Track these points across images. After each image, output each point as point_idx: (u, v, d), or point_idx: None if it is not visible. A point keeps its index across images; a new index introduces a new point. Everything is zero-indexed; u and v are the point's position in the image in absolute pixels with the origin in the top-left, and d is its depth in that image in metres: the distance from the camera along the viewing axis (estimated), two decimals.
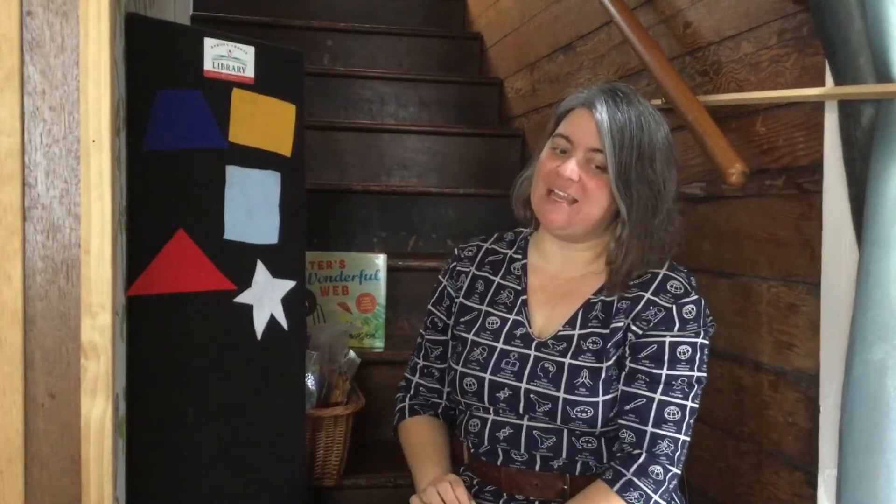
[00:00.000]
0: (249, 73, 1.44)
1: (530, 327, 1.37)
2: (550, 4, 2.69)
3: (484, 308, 1.42)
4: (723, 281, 1.62)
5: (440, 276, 1.52)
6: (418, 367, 1.52)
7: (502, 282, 1.44)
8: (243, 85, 1.43)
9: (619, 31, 1.93)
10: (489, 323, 1.40)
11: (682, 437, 1.27)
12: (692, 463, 1.70)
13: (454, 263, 1.50)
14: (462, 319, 1.43)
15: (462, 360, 1.39)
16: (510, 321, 1.39)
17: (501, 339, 1.37)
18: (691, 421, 1.29)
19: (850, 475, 1.20)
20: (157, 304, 1.32)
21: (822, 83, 1.35)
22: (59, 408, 1.02)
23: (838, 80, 1.26)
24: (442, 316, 1.49)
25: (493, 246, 1.49)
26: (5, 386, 1.00)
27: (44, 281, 1.01)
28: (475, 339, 1.39)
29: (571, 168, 1.30)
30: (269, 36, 1.94)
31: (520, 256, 1.45)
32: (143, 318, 1.30)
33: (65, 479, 1.02)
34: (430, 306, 1.51)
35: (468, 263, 1.48)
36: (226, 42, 1.41)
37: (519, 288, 1.42)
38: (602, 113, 1.29)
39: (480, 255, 1.48)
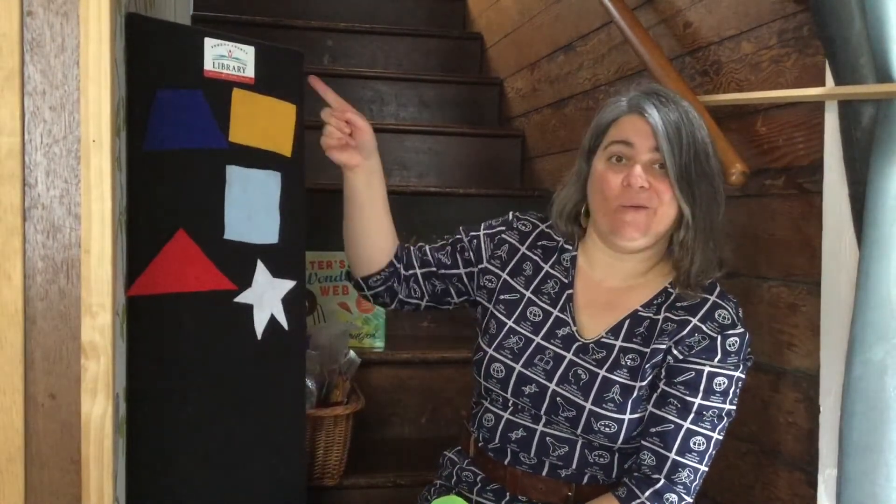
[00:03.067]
0: (249, 73, 1.44)
1: (573, 325, 1.34)
2: (550, 4, 2.69)
3: (528, 295, 1.39)
4: (723, 281, 1.62)
5: (481, 229, 1.45)
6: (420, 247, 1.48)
7: (550, 270, 1.40)
8: (243, 85, 1.43)
9: (619, 31, 1.93)
10: (531, 313, 1.37)
11: (703, 467, 1.26)
12: None
13: (502, 228, 1.44)
14: (502, 297, 1.40)
15: (495, 343, 1.36)
16: (553, 317, 1.36)
17: (541, 335, 1.35)
18: (714, 452, 1.27)
19: (850, 475, 1.20)
20: (157, 304, 1.31)
21: (822, 83, 1.36)
22: (59, 408, 1.02)
23: (838, 80, 1.26)
24: (445, 260, 1.44)
25: (548, 230, 1.44)
26: (5, 386, 1.00)
27: (44, 281, 1.01)
28: (514, 326, 1.37)
29: (639, 174, 1.26)
30: (269, 36, 1.94)
31: (570, 247, 1.41)
32: (143, 318, 1.29)
33: (65, 479, 1.02)
34: (450, 240, 1.47)
35: (517, 237, 1.43)
36: (226, 42, 1.41)
37: (566, 281, 1.38)
38: (653, 114, 1.26)
39: (534, 235, 1.43)
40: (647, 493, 1.24)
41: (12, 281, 0.99)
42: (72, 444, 1.02)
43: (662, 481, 1.24)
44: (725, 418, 1.27)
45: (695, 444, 1.25)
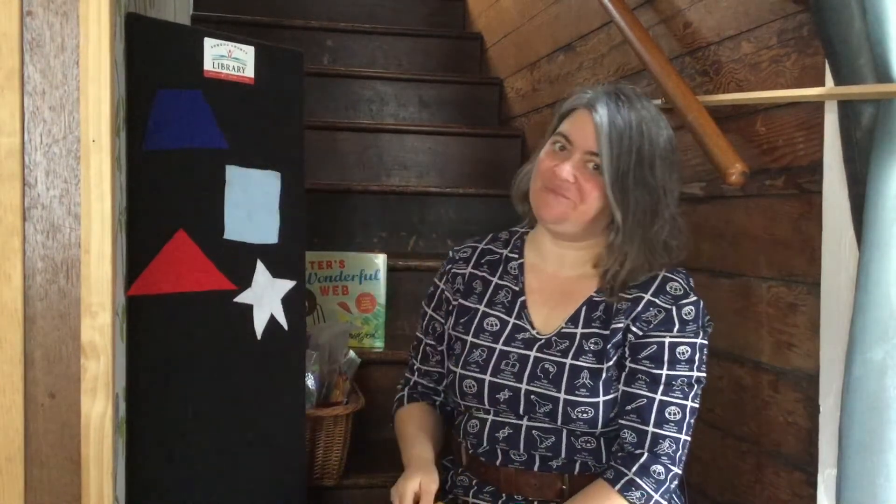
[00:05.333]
0: (249, 73, 1.44)
1: (532, 329, 1.37)
2: (550, 4, 2.69)
3: (482, 308, 1.42)
4: (723, 281, 1.62)
5: (436, 280, 1.51)
6: (415, 367, 1.52)
7: (500, 282, 1.43)
8: (243, 85, 1.43)
9: (619, 31, 1.93)
10: (488, 324, 1.40)
11: (684, 436, 1.28)
12: (692, 463, 1.70)
13: (449, 266, 1.49)
14: (461, 320, 1.43)
15: (461, 361, 1.38)
16: (510, 324, 1.38)
17: (501, 341, 1.37)
18: (692, 420, 1.29)
19: (850, 475, 1.20)
20: (157, 304, 1.31)
21: (822, 83, 1.35)
22: (59, 408, 1.02)
23: (838, 80, 1.25)
24: (441, 320, 1.48)
25: (488, 246, 1.48)
26: (5, 385, 1.00)
27: (44, 281, 1.01)
28: (474, 340, 1.39)
29: (568, 170, 1.30)
30: (268, 36, 1.94)
31: (516, 255, 1.45)
32: (143, 318, 1.30)
33: (65, 479, 1.02)
34: (427, 309, 1.50)
35: (463, 265, 1.47)
36: (226, 42, 1.41)
37: (516, 288, 1.41)
38: (602, 116, 1.29)
39: (476, 255, 1.48)
40: (634, 469, 1.25)
41: (12, 281, 0.99)
42: (72, 444, 1.02)
43: (646, 455, 1.26)
44: (696, 385, 1.29)
45: (670, 414, 1.27)
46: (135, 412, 1.29)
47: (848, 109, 1.25)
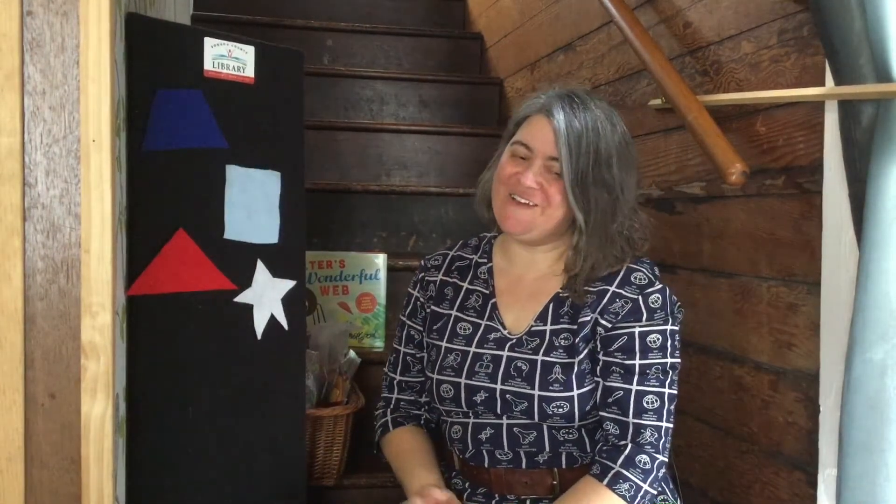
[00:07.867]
0: (249, 73, 1.44)
1: (503, 329, 1.38)
2: (550, 4, 2.69)
3: (454, 313, 1.43)
4: (723, 281, 1.62)
5: (409, 289, 1.52)
6: (396, 382, 1.51)
7: (470, 287, 1.45)
8: (243, 84, 1.43)
9: (619, 31, 1.93)
10: (460, 328, 1.41)
11: (665, 424, 1.29)
12: (692, 463, 1.70)
13: (422, 274, 1.51)
14: (434, 327, 1.44)
15: (437, 367, 1.40)
16: (482, 326, 1.40)
17: (474, 344, 1.38)
18: (671, 407, 1.30)
19: (850, 475, 1.20)
20: (157, 304, 1.31)
21: (822, 83, 1.36)
22: (59, 407, 1.02)
23: (838, 80, 1.26)
24: (419, 328, 1.49)
25: (458, 253, 1.50)
26: (5, 385, 1.00)
27: (44, 281, 1.01)
28: (448, 345, 1.40)
29: (531, 178, 1.32)
30: (269, 36, 1.94)
31: (485, 260, 1.46)
32: (143, 318, 1.30)
33: (65, 479, 1.02)
34: (404, 318, 1.51)
35: (435, 272, 1.49)
36: (226, 42, 1.41)
37: (487, 292, 1.43)
38: (560, 120, 1.31)
39: (447, 262, 1.50)
40: (620, 462, 1.26)
41: (12, 281, 0.99)
42: (72, 444, 1.02)
43: (630, 446, 1.27)
44: (671, 371, 1.30)
45: (648, 403, 1.28)
46: (135, 412, 1.29)
47: (848, 109, 1.25)
